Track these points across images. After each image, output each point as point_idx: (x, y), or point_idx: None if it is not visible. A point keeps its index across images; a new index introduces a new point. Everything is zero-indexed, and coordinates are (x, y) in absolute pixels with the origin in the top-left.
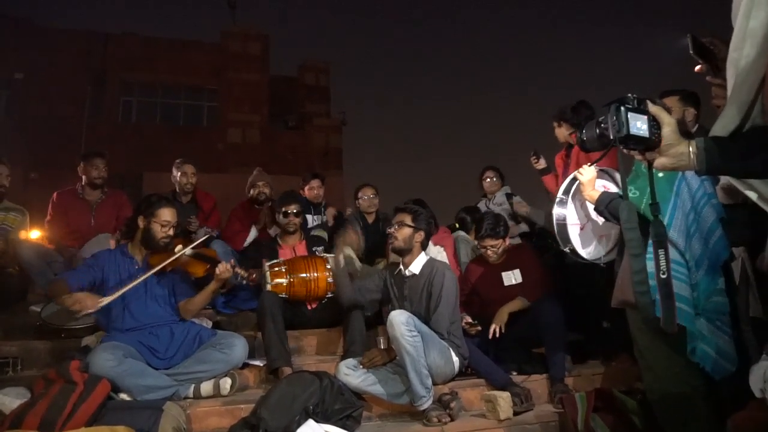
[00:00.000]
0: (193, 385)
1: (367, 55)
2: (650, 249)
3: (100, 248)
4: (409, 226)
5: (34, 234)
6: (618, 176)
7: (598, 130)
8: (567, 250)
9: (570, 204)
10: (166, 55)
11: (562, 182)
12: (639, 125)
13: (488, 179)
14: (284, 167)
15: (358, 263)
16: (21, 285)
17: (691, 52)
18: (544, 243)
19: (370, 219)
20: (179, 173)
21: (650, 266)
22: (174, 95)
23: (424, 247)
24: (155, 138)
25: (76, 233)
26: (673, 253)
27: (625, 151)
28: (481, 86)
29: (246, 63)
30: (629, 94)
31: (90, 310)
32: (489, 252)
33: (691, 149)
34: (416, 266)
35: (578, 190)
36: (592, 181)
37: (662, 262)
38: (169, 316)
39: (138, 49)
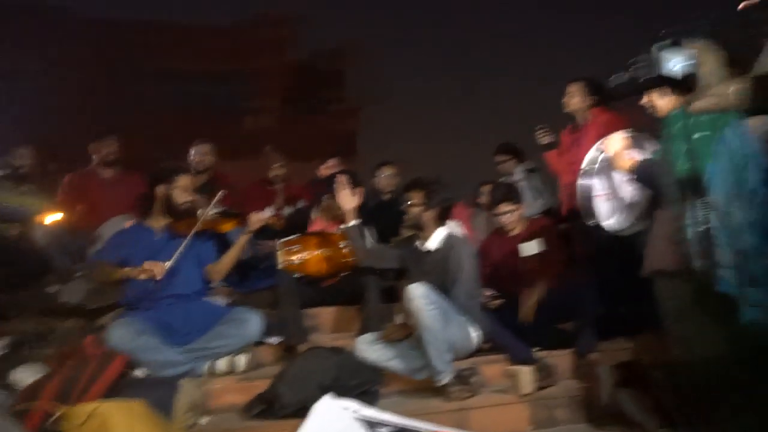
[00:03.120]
0: (208, 362)
1: (384, 39)
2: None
3: (114, 230)
4: (420, 204)
5: (51, 217)
6: (647, 143)
7: (627, 75)
8: (592, 223)
9: (596, 175)
10: (184, 40)
11: (566, 160)
12: (673, 65)
13: (500, 163)
14: (302, 152)
15: (370, 240)
16: (38, 266)
17: None
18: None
19: (386, 197)
20: (194, 152)
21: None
22: (190, 81)
23: (440, 222)
24: (171, 124)
25: (91, 214)
26: (713, 217)
27: (658, 100)
28: (502, 60)
29: (263, 48)
30: (662, 33)
31: (159, 277)
32: (504, 219)
33: (733, 88)
34: (434, 241)
35: (605, 161)
36: (622, 150)
37: (699, 214)
38: (191, 286)
39: (156, 36)
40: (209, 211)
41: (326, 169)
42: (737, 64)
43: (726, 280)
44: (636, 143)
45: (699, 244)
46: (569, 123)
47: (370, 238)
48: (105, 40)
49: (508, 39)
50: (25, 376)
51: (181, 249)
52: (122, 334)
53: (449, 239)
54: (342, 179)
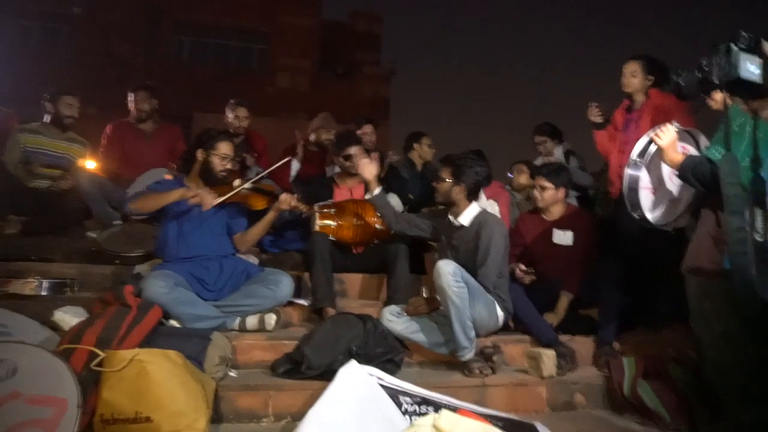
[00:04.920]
0: (239, 318)
1: (419, 4)
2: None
3: (153, 180)
4: (449, 180)
5: (91, 164)
6: (701, 138)
7: (700, 74)
8: (636, 215)
9: (644, 166)
10: None
11: (619, 140)
12: (751, 68)
13: (539, 145)
14: (332, 115)
15: (399, 210)
16: (79, 211)
17: None
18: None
19: (419, 167)
20: (232, 115)
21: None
22: (226, 37)
23: (472, 198)
24: (206, 79)
25: (130, 163)
26: None
27: (727, 100)
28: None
29: (298, 7)
30: (743, 33)
31: (206, 208)
32: (536, 192)
33: None
34: (465, 218)
35: (655, 153)
36: (673, 143)
37: (759, 224)
38: (222, 248)
39: None
40: (245, 185)
41: (363, 135)
42: None
43: None
44: (687, 137)
45: (755, 252)
46: (621, 101)
47: (399, 207)
48: None
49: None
50: (67, 317)
51: (223, 199)
52: (158, 285)
53: (481, 217)
54: (357, 151)
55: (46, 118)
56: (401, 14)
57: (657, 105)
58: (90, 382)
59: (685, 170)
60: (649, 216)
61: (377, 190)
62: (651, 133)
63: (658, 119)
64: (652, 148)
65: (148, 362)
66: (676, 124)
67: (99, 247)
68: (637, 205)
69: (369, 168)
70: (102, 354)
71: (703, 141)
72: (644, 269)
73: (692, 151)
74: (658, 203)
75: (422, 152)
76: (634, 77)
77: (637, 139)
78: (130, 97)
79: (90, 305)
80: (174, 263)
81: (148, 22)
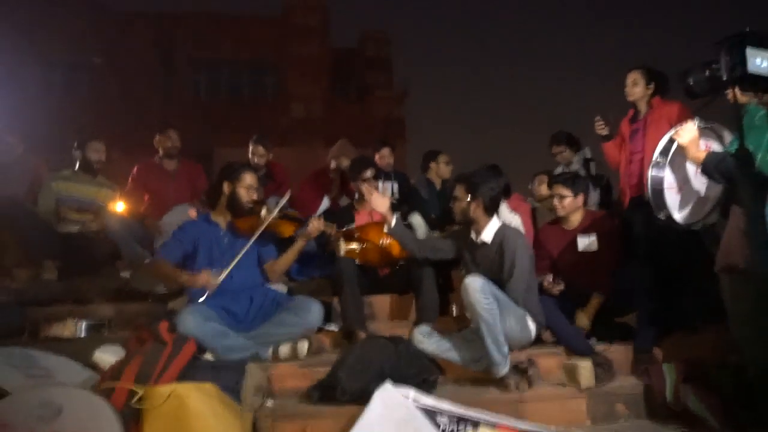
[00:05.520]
0: (271, 348)
1: (428, 24)
2: None
3: (179, 218)
4: (464, 199)
5: (120, 206)
6: (725, 133)
7: (707, 72)
8: (662, 216)
9: (667, 167)
10: (230, 31)
11: (626, 151)
12: (759, 62)
13: (557, 154)
14: (348, 140)
15: (423, 230)
16: (110, 252)
17: None
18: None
19: (438, 186)
20: (251, 153)
21: None
22: (239, 71)
23: (490, 214)
24: (222, 115)
25: (156, 203)
26: None
27: (738, 95)
28: (549, 46)
29: (306, 36)
30: (748, 29)
31: (211, 290)
32: (555, 202)
33: None
34: (487, 234)
35: (677, 152)
36: (695, 140)
37: None
38: (252, 280)
39: (203, 27)
40: (273, 214)
41: (380, 158)
42: None
43: None
44: (710, 134)
45: None
46: (623, 113)
47: (422, 228)
48: (155, 32)
49: (562, 28)
50: (105, 356)
51: (240, 255)
52: (191, 320)
53: (502, 231)
54: (367, 187)
55: (76, 165)
56: (412, 33)
57: (660, 113)
58: (131, 418)
59: (708, 166)
60: (677, 216)
61: (393, 221)
62: (672, 132)
63: (662, 127)
64: (674, 146)
65: (185, 396)
66: (698, 120)
67: (131, 286)
68: (662, 206)
69: (380, 202)
70: (141, 391)
71: (727, 136)
72: (669, 271)
73: (716, 147)
74: (685, 202)
75: (440, 171)
76: (636, 86)
77: (644, 149)
78: (158, 137)
79: (127, 343)
80: (205, 297)
81: (164, 64)
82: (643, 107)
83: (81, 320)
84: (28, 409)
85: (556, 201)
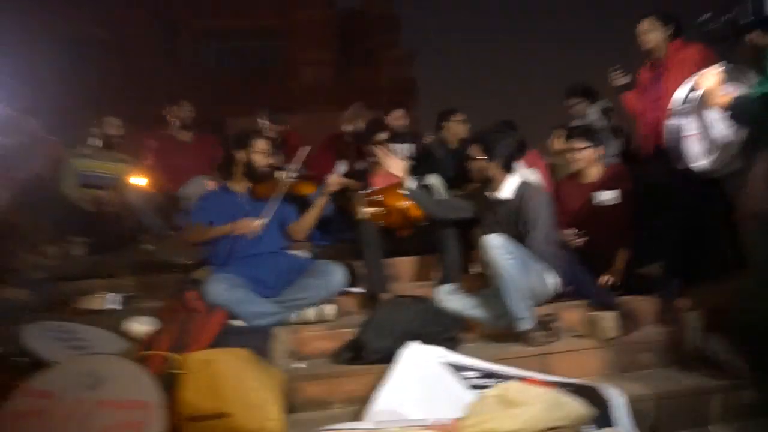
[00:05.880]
0: (298, 312)
1: None
2: None
3: (197, 190)
4: (481, 157)
5: (140, 180)
6: (748, 75)
7: (724, 17)
8: (681, 165)
9: (686, 114)
10: None
11: (649, 96)
12: None
13: (573, 107)
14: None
15: (442, 191)
16: (133, 226)
17: None
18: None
19: (454, 145)
20: (260, 128)
21: None
22: (245, 39)
23: (508, 171)
24: (231, 83)
25: (172, 175)
26: None
27: (758, 39)
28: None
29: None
30: None
31: (251, 236)
32: (576, 156)
33: None
34: (506, 191)
35: (698, 99)
36: (717, 85)
37: None
38: (275, 244)
39: None
40: (289, 175)
41: (394, 119)
42: None
43: None
44: (732, 77)
45: None
46: (645, 61)
47: (440, 188)
48: (157, 3)
49: None
50: (137, 326)
51: (271, 208)
52: (218, 288)
53: (522, 188)
54: (382, 150)
55: (94, 141)
56: None
57: (683, 56)
58: (168, 384)
59: (733, 110)
60: (698, 164)
61: (411, 184)
62: (691, 81)
63: (686, 70)
64: (694, 94)
65: (219, 361)
66: (723, 63)
67: (156, 258)
68: (681, 155)
69: (397, 165)
70: (177, 357)
71: (751, 79)
72: (693, 220)
73: (739, 91)
74: (707, 150)
75: (455, 129)
76: (650, 32)
77: (668, 93)
78: (171, 108)
79: (156, 313)
80: (229, 266)
81: (169, 35)
82: (662, 52)
83: (111, 293)
84: (74, 378)
85: (572, 154)
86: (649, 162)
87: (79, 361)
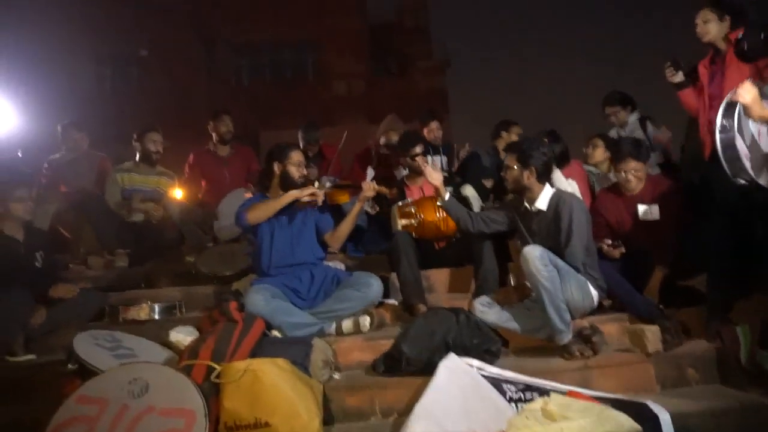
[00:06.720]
0: (335, 323)
1: None
2: None
3: (235, 203)
4: (516, 167)
5: (179, 193)
6: None
7: (763, 34)
8: (741, 181)
9: (735, 128)
10: (267, 12)
11: (706, 95)
12: None
13: (611, 116)
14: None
15: (478, 201)
16: (175, 238)
17: None
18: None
19: (503, 156)
20: (302, 140)
21: None
22: (279, 52)
23: (544, 181)
24: (266, 97)
25: (212, 189)
26: None
27: None
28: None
29: (344, 12)
30: None
31: (320, 200)
32: (630, 177)
33: None
34: (542, 202)
35: (740, 112)
36: (756, 97)
37: None
38: (313, 254)
39: (242, 10)
40: (325, 185)
41: (428, 132)
42: None
43: None
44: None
45: None
46: (703, 55)
47: (477, 199)
48: (195, 20)
49: None
50: (181, 336)
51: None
52: (258, 299)
53: (556, 197)
54: (420, 161)
55: (137, 156)
56: (452, 2)
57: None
58: (210, 393)
59: None
60: (758, 179)
61: (447, 196)
62: (731, 94)
63: (744, 67)
64: (737, 108)
65: (260, 371)
66: (753, 80)
67: (196, 269)
68: (740, 169)
69: (435, 175)
70: (218, 367)
71: None
72: (748, 231)
73: None
74: (755, 163)
75: (510, 141)
76: (707, 23)
77: (724, 92)
78: (212, 122)
79: (198, 323)
80: (269, 277)
81: (207, 49)
82: (721, 45)
83: (154, 303)
84: (121, 386)
85: (631, 177)
86: (706, 165)
87: (127, 369)
